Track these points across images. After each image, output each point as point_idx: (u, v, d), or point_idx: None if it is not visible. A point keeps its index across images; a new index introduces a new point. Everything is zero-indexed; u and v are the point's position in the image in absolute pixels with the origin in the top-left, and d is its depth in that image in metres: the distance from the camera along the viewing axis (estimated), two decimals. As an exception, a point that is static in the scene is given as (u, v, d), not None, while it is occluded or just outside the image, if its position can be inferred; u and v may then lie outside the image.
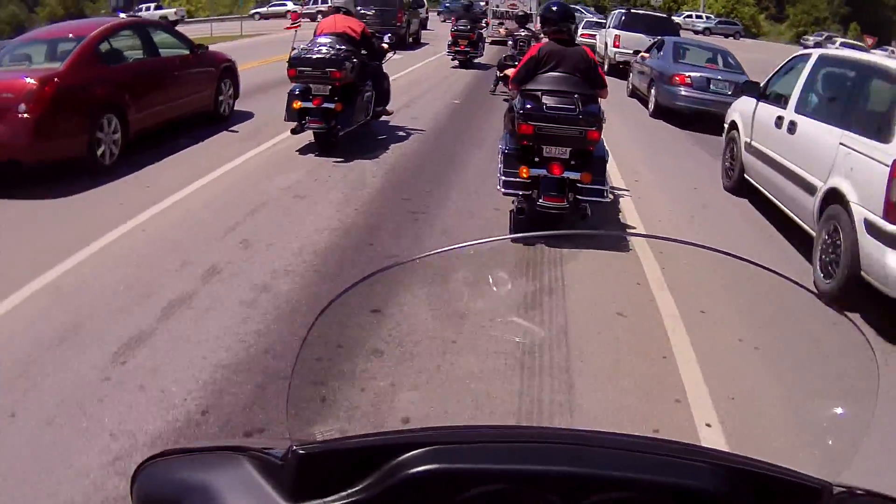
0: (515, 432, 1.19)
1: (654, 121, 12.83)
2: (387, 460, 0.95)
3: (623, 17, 19.42)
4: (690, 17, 54.36)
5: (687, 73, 12.40)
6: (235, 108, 10.61)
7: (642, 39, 17.04)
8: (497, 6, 28.51)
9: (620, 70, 17.30)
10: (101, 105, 7.53)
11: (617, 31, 18.81)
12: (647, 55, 14.45)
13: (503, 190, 6.01)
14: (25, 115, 6.73)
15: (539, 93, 5.91)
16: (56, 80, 7.04)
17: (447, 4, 51.90)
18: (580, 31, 23.55)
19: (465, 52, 18.49)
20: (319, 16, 33.33)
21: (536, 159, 5.91)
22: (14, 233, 5.74)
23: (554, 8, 6.36)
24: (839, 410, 1.26)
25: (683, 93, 12.27)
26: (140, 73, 8.52)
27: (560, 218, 6.02)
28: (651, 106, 13.30)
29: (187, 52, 9.62)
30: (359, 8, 9.14)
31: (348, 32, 8.71)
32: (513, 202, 6.05)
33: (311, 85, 8.41)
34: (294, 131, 8.67)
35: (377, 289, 1.27)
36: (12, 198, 6.49)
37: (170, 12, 42.87)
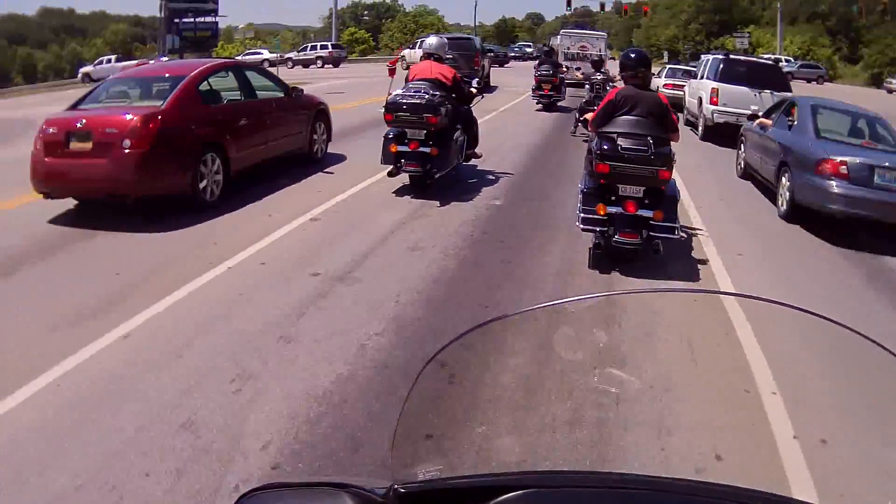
0: (607, 478, 1.20)
1: (788, 227, 8.80)
2: (484, 501, 0.98)
3: (722, 66, 15.67)
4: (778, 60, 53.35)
5: (840, 158, 8.25)
6: (328, 150, 11.33)
7: (747, 94, 14.71)
8: (568, 48, 29.61)
9: (722, 134, 14.66)
10: (203, 143, 8.07)
11: (715, 84, 15.39)
12: (767, 122, 10.69)
13: (581, 226, 6.52)
14: (129, 151, 7.33)
15: (615, 135, 6.36)
16: (159, 117, 7.59)
17: (515, 49, 54.94)
18: (663, 81, 23.05)
19: (549, 95, 19.17)
20: (319, 61, 34.39)
21: (613, 198, 6.38)
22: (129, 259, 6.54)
23: (632, 55, 6.88)
24: None
25: (837, 189, 8.08)
26: (239, 113, 9.04)
27: (634, 253, 6.46)
28: (783, 203, 9.10)
29: (282, 94, 10.26)
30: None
31: (440, 78, 9.17)
32: (592, 239, 6.51)
33: (406, 129, 8.83)
34: (391, 174, 9.07)
35: (482, 338, 1.36)
36: (117, 230, 7.27)
37: (266, 55, 45.73)
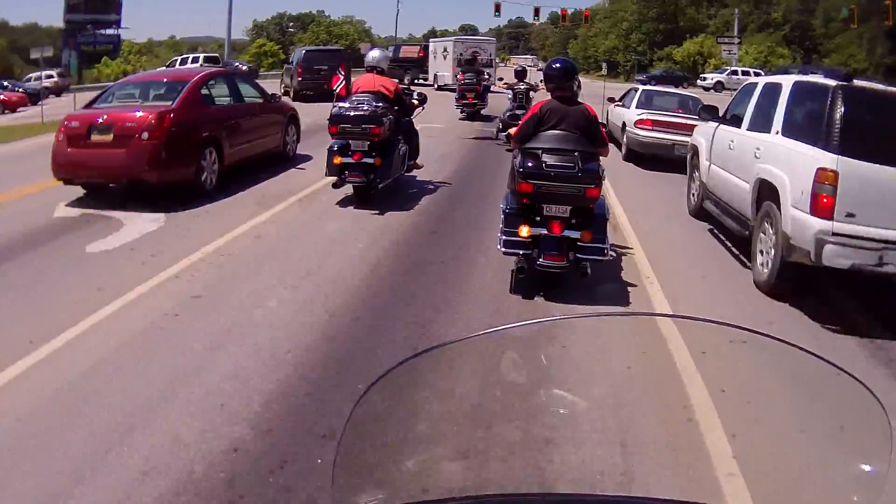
0: (552, 499, 1.25)
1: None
2: None
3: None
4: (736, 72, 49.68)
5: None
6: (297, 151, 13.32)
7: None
8: (461, 55, 31.45)
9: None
10: (204, 138, 9.87)
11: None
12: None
13: (503, 249, 6.29)
14: (146, 142, 9.00)
15: (539, 151, 6.22)
16: (171, 114, 9.33)
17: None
18: (634, 114, 16.48)
19: (473, 104, 19.74)
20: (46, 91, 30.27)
21: (537, 218, 6.18)
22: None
23: (556, 66, 6.70)
24: (865, 468, 1.34)
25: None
26: (231, 114, 10.85)
27: (559, 277, 6.26)
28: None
29: (262, 100, 12.09)
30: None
31: (382, 91, 9.57)
32: (514, 261, 6.26)
33: (350, 141, 9.25)
34: (335, 185, 9.54)
35: (423, 364, 1.38)
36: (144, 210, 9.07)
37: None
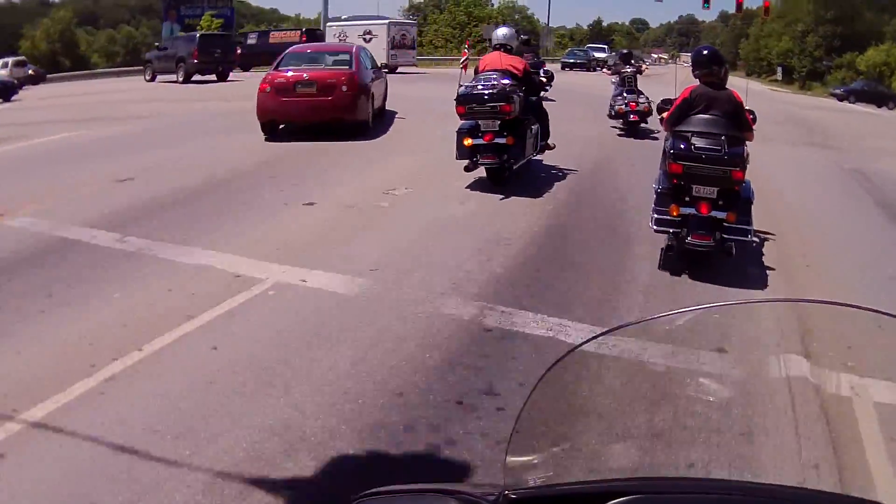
0: (714, 485, 1.25)
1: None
2: None
3: None
4: None
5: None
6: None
7: None
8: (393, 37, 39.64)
9: None
10: (368, 91, 14.42)
11: None
12: None
13: (655, 227, 7.00)
14: (346, 91, 13.59)
15: (689, 134, 6.77)
16: (355, 74, 14.08)
17: (574, 55, 53.34)
18: None
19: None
20: None
21: (687, 199, 6.79)
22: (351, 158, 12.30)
23: (704, 52, 7.32)
24: None
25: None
26: (373, 76, 15.46)
27: (706, 255, 6.84)
28: None
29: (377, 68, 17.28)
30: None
31: (510, 69, 9.62)
32: (665, 239, 6.96)
33: (479, 121, 9.29)
34: (468, 168, 9.57)
35: (595, 349, 1.50)
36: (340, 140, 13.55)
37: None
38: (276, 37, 40.56)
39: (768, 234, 8.27)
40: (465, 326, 5.56)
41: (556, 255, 7.47)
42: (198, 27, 46.77)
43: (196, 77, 31.15)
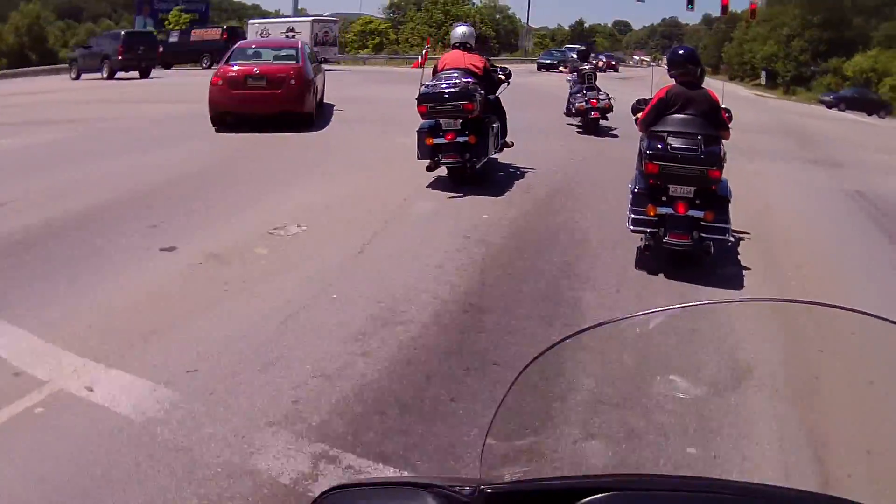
0: (692, 483, 1.25)
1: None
2: (571, 503, 1.04)
3: None
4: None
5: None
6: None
7: None
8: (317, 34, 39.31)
9: None
10: (313, 84, 15.26)
11: None
12: None
13: (632, 227, 7.03)
14: (293, 84, 14.42)
15: (665, 133, 6.84)
16: (301, 68, 14.94)
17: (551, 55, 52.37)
18: None
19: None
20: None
21: (663, 198, 6.85)
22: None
23: (681, 52, 7.41)
24: None
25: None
26: (315, 69, 16.13)
27: (684, 255, 6.87)
28: None
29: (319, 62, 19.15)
30: None
31: (471, 68, 9.66)
32: (640, 239, 7.03)
33: (441, 120, 9.30)
34: (429, 168, 9.59)
35: (571, 345, 1.45)
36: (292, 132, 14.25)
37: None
38: (197, 34, 40.75)
39: (744, 233, 8.26)
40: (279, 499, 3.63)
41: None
42: (165, 22, 47.78)
43: (119, 74, 31.79)
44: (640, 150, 7.29)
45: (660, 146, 6.73)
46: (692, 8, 50.92)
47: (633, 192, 7.04)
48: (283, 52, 16.03)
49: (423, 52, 11.96)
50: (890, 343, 1.33)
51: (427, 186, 9.85)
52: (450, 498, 1.13)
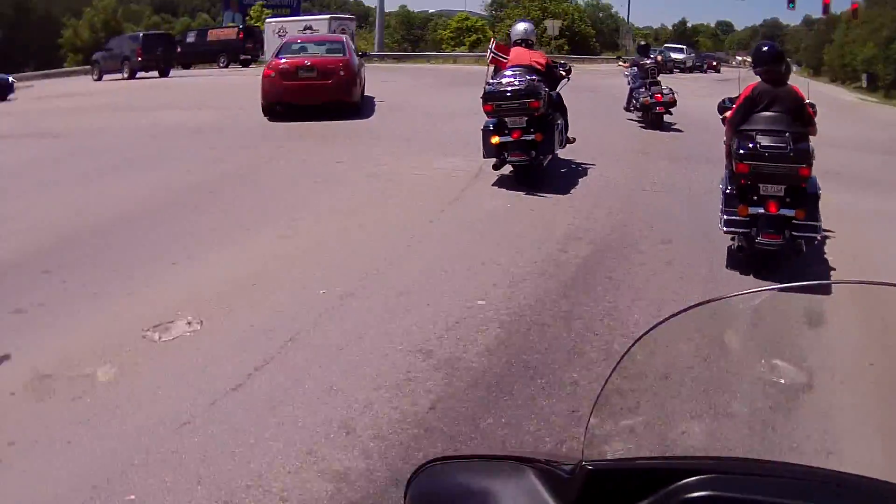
0: (790, 469, 1.23)
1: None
2: (669, 483, 1.03)
3: None
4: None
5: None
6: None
7: None
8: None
9: None
10: (358, 75, 16.72)
11: None
12: None
13: (725, 228, 7.05)
14: (343, 76, 15.81)
15: (754, 132, 6.85)
16: (349, 60, 16.35)
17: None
18: None
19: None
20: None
21: (754, 198, 6.85)
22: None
23: (765, 48, 7.42)
24: None
25: None
26: (359, 62, 17.65)
27: (776, 255, 6.90)
28: None
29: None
30: None
31: (534, 65, 9.81)
32: (731, 239, 7.07)
33: (506, 118, 9.35)
34: (496, 167, 9.69)
35: (677, 324, 1.44)
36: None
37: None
38: (213, 34, 41.65)
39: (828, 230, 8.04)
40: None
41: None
42: (247, 17, 48.84)
43: (140, 74, 32.84)
44: (727, 150, 7.32)
45: (750, 145, 6.74)
46: (793, 7, 49.59)
47: (724, 193, 7.06)
48: (331, 46, 17.44)
49: (489, 53, 11.55)
50: None
51: (493, 184, 9.86)
52: (551, 474, 1.15)
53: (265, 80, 15.64)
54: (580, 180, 10.47)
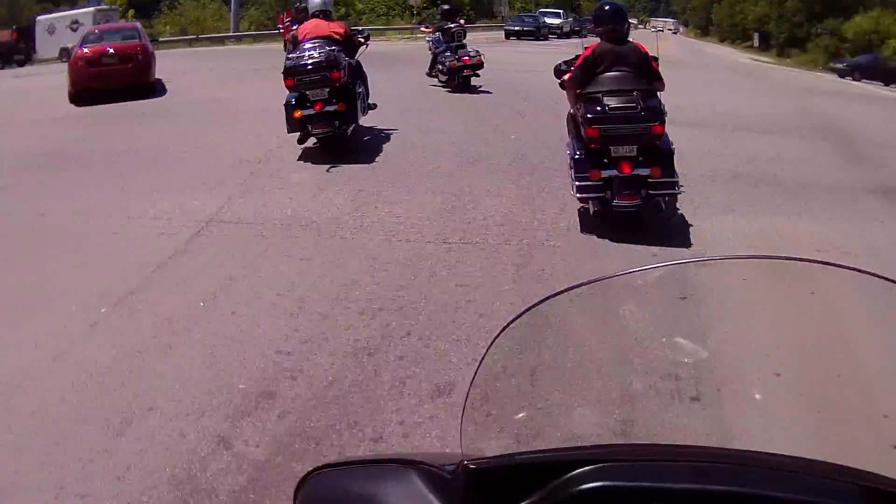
0: (683, 451, 1.23)
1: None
2: (556, 476, 1.02)
3: None
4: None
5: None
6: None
7: None
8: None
9: None
10: (153, 58, 17.46)
11: None
12: None
13: (578, 195, 6.85)
14: (141, 59, 16.72)
15: (600, 94, 6.66)
16: (146, 45, 17.50)
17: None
18: None
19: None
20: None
21: (606, 160, 6.68)
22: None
23: (606, 7, 7.18)
24: None
25: None
26: (150, 46, 18.06)
27: (636, 215, 6.71)
28: None
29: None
30: None
31: (333, 35, 9.66)
32: (586, 204, 6.90)
33: (307, 91, 9.23)
34: (300, 141, 9.52)
35: (551, 310, 1.41)
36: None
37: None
38: None
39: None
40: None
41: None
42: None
43: None
44: (571, 115, 7.17)
45: (598, 108, 6.58)
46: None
47: (572, 159, 6.86)
48: (126, 34, 18.61)
49: (283, 27, 10.88)
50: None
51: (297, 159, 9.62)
52: (434, 475, 1.13)
53: (72, 69, 16.53)
54: (383, 146, 10.32)
